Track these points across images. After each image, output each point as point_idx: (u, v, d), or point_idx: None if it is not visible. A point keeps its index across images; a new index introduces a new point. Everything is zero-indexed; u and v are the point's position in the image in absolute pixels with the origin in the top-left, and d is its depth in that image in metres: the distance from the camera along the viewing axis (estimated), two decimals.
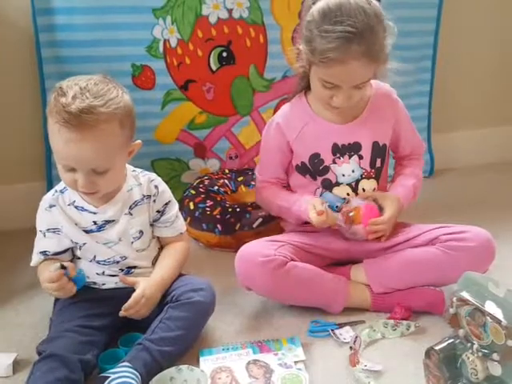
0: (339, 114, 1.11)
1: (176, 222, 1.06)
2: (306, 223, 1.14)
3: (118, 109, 0.90)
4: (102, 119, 0.88)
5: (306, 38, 1.02)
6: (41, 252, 0.99)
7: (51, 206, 0.99)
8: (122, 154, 0.96)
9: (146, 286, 0.96)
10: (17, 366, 0.95)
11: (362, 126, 1.12)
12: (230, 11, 1.50)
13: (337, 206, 1.08)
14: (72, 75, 0.97)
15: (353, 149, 1.13)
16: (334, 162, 1.13)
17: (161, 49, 1.49)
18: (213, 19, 1.50)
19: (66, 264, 0.93)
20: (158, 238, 1.07)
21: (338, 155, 1.12)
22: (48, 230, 0.99)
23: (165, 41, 1.48)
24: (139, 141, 1.00)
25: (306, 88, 1.14)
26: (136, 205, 1.01)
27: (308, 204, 1.08)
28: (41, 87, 1.43)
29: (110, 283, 1.01)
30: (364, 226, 1.06)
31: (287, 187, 1.22)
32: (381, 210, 1.09)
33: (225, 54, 1.54)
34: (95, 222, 0.98)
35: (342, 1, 0.98)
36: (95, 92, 0.89)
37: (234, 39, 1.53)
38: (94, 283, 1.01)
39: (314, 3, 1.02)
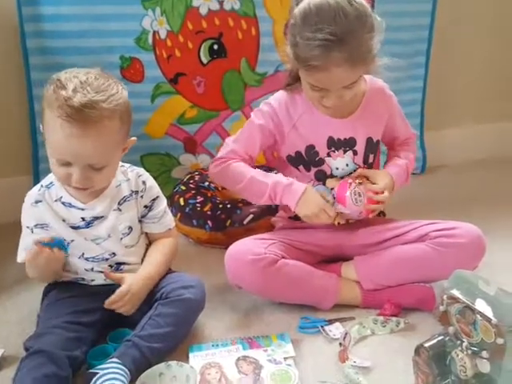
0: (334, 110, 1.10)
1: (164, 218, 1.05)
2: (296, 217, 1.13)
3: (119, 105, 0.90)
4: (105, 115, 0.87)
5: (291, 42, 1.01)
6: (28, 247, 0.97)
7: (37, 202, 0.97)
8: (119, 151, 0.95)
9: (132, 282, 0.95)
10: (3, 362, 0.94)
11: (358, 121, 1.12)
12: (221, 3, 1.48)
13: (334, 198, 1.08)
14: (59, 67, 0.96)
15: (348, 144, 1.12)
16: (329, 155, 1.12)
17: (150, 40, 1.47)
18: (203, 11, 1.48)
19: (37, 238, 0.91)
20: (147, 234, 1.06)
21: (333, 149, 1.12)
22: (36, 225, 0.97)
23: (154, 32, 1.46)
24: (134, 138, 0.99)
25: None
26: (125, 200, 1.00)
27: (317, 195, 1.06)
28: (26, 79, 1.40)
29: (99, 279, 1.00)
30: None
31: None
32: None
33: (216, 47, 1.52)
34: (83, 219, 0.97)
35: (323, 2, 0.95)
36: (96, 87, 0.87)
37: (226, 31, 1.51)
38: (83, 279, 1.00)
39: (297, 4, 1.01)
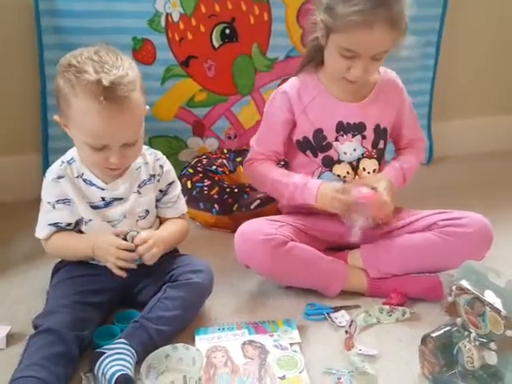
0: (349, 92, 1.09)
1: (178, 203, 1.05)
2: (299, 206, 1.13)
3: (136, 76, 0.90)
4: (131, 88, 0.87)
5: (327, 5, 1.01)
6: (52, 224, 0.96)
7: (59, 178, 0.96)
8: (143, 121, 0.95)
9: (152, 233, 0.96)
10: (10, 339, 0.94)
11: (369, 107, 1.12)
12: None
13: None
14: (71, 46, 0.95)
15: (357, 128, 1.12)
16: (337, 140, 1.11)
17: (163, 23, 1.45)
18: None
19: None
20: (159, 218, 1.06)
21: (342, 133, 1.11)
22: (57, 201, 0.96)
23: (167, 15, 1.45)
24: (147, 106, 0.98)
25: (317, 64, 1.12)
26: (145, 184, 1.00)
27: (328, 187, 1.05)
28: (39, 57, 1.40)
29: None
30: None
31: (282, 165, 1.21)
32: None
33: (228, 31, 1.50)
34: (103, 199, 0.97)
35: None
36: (112, 63, 0.87)
37: (238, 16, 1.49)
38: (93, 260, 0.99)
39: None
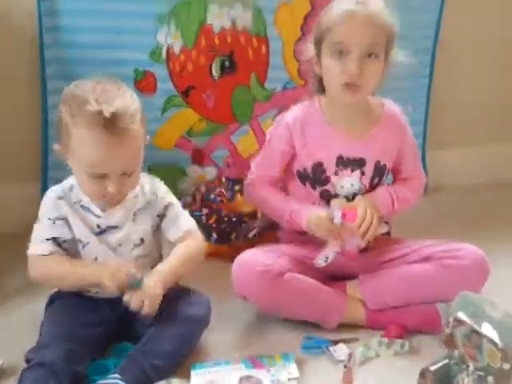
0: (352, 127, 1.10)
1: (178, 221, 1.02)
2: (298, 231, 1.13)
3: (137, 107, 0.92)
4: (131, 121, 0.89)
5: (315, 28, 1.08)
6: (50, 238, 0.94)
7: (60, 198, 0.96)
8: (142, 151, 0.96)
9: (149, 284, 0.91)
10: (2, 373, 0.93)
11: (370, 143, 1.12)
12: (233, 21, 1.51)
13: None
14: (74, 77, 0.98)
15: (357, 164, 1.12)
16: (336, 174, 1.12)
17: (164, 54, 1.48)
18: (216, 28, 1.50)
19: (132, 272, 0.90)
20: (161, 245, 1.05)
21: (341, 167, 1.12)
22: (58, 217, 0.95)
23: (168, 46, 1.48)
24: (148, 136, 0.99)
25: (321, 93, 1.14)
26: (140, 212, 1.00)
27: (315, 216, 1.06)
28: (42, 88, 1.42)
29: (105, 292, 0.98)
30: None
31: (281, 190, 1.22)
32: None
33: (227, 63, 1.54)
34: (98, 226, 0.97)
35: None
36: (114, 94, 0.89)
37: (237, 49, 1.53)
38: (88, 291, 0.99)
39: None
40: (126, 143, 0.88)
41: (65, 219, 0.96)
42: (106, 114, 0.85)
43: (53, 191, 0.98)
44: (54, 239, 0.95)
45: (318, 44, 1.07)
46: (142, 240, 1.00)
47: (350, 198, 1.13)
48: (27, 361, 0.86)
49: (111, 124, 0.86)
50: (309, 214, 1.08)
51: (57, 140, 0.96)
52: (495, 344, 0.74)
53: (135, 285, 0.90)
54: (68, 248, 0.97)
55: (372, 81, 1.06)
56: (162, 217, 1.03)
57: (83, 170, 0.90)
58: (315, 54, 1.09)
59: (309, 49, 1.10)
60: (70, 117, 0.88)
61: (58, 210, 0.95)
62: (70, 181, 0.99)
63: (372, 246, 1.14)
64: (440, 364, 0.83)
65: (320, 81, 1.11)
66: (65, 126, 0.90)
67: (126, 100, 0.90)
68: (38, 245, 0.95)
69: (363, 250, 1.13)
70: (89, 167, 0.89)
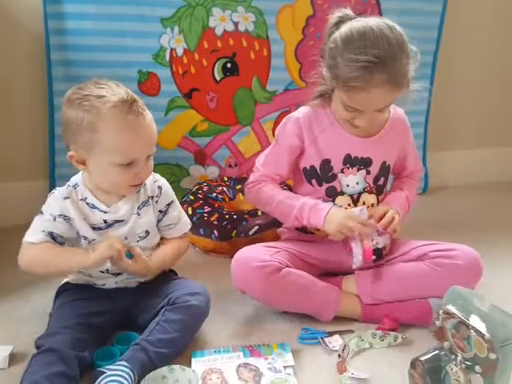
0: (360, 130, 1.12)
1: (180, 223, 1.09)
2: (302, 229, 1.17)
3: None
4: (142, 104, 0.96)
5: (330, 64, 1.04)
6: (47, 231, 0.97)
7: (65, 198, 0.99)
8: None
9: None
10: (12, 359, 0.96)
11: (377, 143, 1.15)
12: (236, 24, 1.55)
13: None
14: (80, 79, 1.01)
15: (364, 163, 1.15)
16: (342, 172, 1.15)
17: (167, 57, 1.53)
18: (219, 31, 1.54)
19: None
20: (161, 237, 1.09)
21: (348, 166, 1.15)
22: (60, 215, 0.97)
23: (171, 49, 1.52)
24: None
25: (329, 97, 1.15)
26: (144, 205, 1.03)
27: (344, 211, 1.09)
28: (48, 89, 1.47)
29: (111, 283, 1.03)
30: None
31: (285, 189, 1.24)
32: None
33: (229, 65, 1.58)
34: (105, 221, 1.00)
35: (366, 29, 1.00)
36: (117, 88, 0.95)
37: (239, 51, 1.57)
38: (95, 284, 1.03)
39: (337, 29, 1.05)
40: (149, 122, 0.96)
41: (68, 218, 0.98)
42: (127, 97, 0.92)
43: (58, 191, 1.00)
44: (50, 233, 0.97)
45: (332, 82, 1.06)
46: (147, 232, 1.04)
47: (355, 196, 1.15)
48: (37, 347, 0.89)
49: (134, 107, 0.92)
50: (334, 209, 1.09)
51: (65, 145, 0.98)
52: (482, 335, 0.77)
53: (128, 256, 0.97)
54: (65, 243, 1.00)
55: (379, 122, 1.13)
56: (163, 213, 1.06)
57: (111, 163, 0.93)
58: (329, 83, 1.08)
59: (323, 72, 1.08)
60: (94, 113, 0.90)
61: (62, 209, 0.98)
62: (75, 179, 1.02)
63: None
64: (430, 355, 0.85)
65: (328, 96, 1.13)
66: (86, 125, 0.91)
67: (128, 90, 0.96)
68: (32, 234, 0.97)
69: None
70: (121, 155, 0.93)
